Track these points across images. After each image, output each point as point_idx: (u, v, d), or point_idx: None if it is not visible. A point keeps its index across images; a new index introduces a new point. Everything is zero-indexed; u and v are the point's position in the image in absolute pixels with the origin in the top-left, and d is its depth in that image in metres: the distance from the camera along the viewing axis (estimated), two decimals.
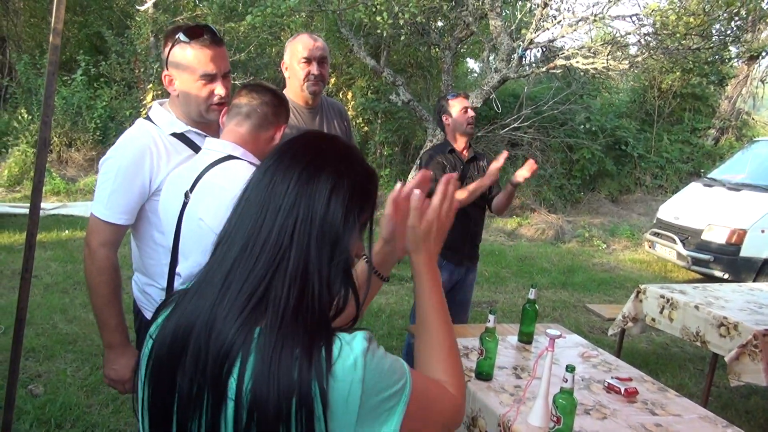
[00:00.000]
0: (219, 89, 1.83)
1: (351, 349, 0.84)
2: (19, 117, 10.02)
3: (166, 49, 1.82)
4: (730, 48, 12.73)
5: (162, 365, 0.89)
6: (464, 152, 3.41)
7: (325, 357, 0.82)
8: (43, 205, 8.16)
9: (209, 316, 0.86)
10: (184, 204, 1.65)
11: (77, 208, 8.07)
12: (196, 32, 1.78)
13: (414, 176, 3.01)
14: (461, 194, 3.09)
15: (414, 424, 0.89)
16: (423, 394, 0.92)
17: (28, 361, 3.68)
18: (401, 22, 6.81)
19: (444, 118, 3.43)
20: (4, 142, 9.94)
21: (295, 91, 2.60)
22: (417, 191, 1.10)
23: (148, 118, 1.90)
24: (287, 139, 0.99)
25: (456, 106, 3.34)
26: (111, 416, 3.15)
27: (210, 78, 1.81)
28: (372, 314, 5.06)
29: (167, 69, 1.85)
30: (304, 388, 0.80)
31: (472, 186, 3.17)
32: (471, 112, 3.33)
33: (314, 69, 2.53)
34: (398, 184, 1.16)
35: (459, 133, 3.36)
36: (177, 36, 1.78)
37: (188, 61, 1.79)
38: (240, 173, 1.62)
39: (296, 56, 2.54)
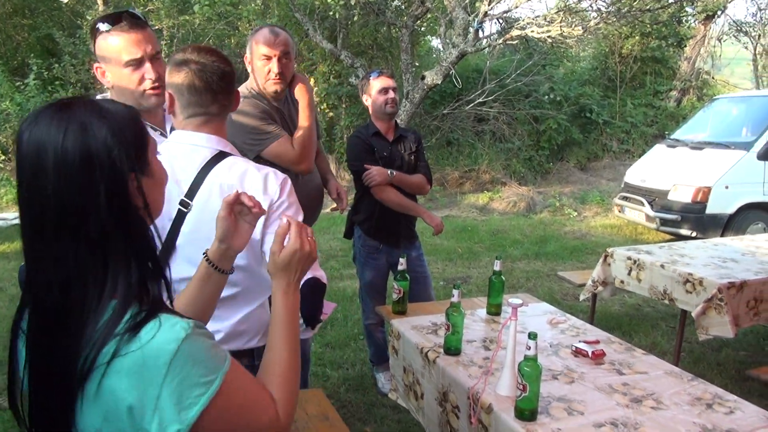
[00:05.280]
0: (149, 73, 1.76)
1: (167, 332, 0.88)
2: None
3: (93, 42, 1.76)
4: (687, 8, 12.88)
5: None
6: (389, 133, 3.32)
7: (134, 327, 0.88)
8: (4, 215, 7.94)
9: None
10: (181, 213, 1.54)
11: None
12: (114, 19, 1.72)
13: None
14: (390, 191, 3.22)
15: (218, 419, 0.92)
16: (236, 394, 0.95)
17: None
18: (353, 2, 6.72)
19: (364, 99, 3.33)
20: None
21: (259, 87, 2.53)
22: (285, 219, 1.16)
23: None
24: None
25: (375, 87, 3.21)
26: None
27: (137, 63, 1.74)
28: (347, 299, 5.04)
29: (98, 62, 1.78)
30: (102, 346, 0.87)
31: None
32: (391, 93, 3.20)
33: (275, 67, 2.42)
34: (232, 195, 1.25)
35: (378, 114, 3.25)
36: (97, 26, 1.72)
37: (112, 50, 1.73)
38: (251, 174, 1.59)
39: (256, 53, 2.44)
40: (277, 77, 2.43)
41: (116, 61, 1.73)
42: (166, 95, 1.62)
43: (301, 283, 1.22)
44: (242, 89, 2.55)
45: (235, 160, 1.62)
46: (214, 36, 11.09)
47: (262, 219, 1.55)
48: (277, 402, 1.03)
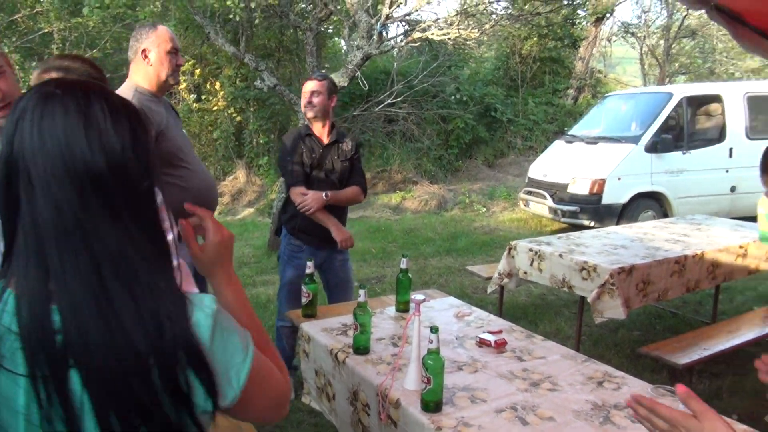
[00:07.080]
0: None
1: (199, 309, 0.91)
2: None
3: None
4: (579, 11, 13.63)
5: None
6: (323, 136, 3.34)
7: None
8: None
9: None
10: None
11: None
12: None
13: None
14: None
15: (254, 388, 0.96)
16: (260, 363, 0.99)
17: None
18: (253, 5, 6.66)
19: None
20: None
21: (156, 81, 2.53)
22: (182, 223, 1.13)
23: None
24: None
25: (303, 90, 3.34)
26: None
27: None
28: (260, 306, 4.97)
29: None
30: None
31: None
32: (310, 97, 3.27)
33: (180, 60, 2.57)
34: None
35: (306, 117, 3.36)
36: None
37: None
38: None
39: (164, 46, 2.51)
40: (179, 71, 2.60)
41: None
42: None
43: None
44: (127, 90, 2.50)
45: None
46: (111, 39, 10.59)
47: None
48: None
